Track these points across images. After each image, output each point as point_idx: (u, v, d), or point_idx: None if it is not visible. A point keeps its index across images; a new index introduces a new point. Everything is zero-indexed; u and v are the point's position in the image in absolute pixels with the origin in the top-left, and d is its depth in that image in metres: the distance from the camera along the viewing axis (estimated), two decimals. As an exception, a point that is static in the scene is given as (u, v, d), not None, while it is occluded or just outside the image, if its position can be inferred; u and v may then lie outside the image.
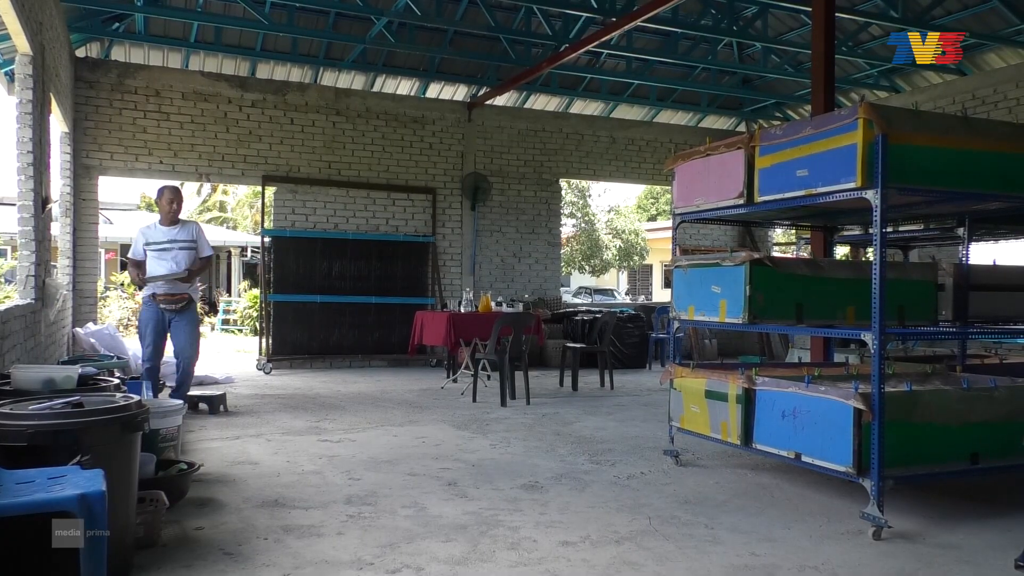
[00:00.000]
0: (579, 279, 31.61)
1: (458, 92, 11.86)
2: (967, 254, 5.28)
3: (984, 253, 6.67)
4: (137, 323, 6.22)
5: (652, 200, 33.59)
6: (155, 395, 5.91)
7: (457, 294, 10.88)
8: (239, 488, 4.24)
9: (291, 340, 10.44)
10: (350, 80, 11.27)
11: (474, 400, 7.56)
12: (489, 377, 8.73)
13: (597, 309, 12.32)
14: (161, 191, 6.28)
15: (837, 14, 7.42)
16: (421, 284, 11.20)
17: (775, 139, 4.18)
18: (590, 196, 28.44)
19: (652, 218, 32.74)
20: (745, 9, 9.86)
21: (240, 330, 18.66)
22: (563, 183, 13.73)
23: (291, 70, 10.97)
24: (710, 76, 11.99)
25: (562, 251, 15.44)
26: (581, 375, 8.86)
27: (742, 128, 13.47)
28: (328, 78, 11.15)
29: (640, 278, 35.42)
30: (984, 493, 4.29)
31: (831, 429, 3.75)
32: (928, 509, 3.96)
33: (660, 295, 31.44)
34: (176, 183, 6.50)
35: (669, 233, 5.32)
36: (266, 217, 10.75)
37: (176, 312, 6.06)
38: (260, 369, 10.01)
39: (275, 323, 10.42)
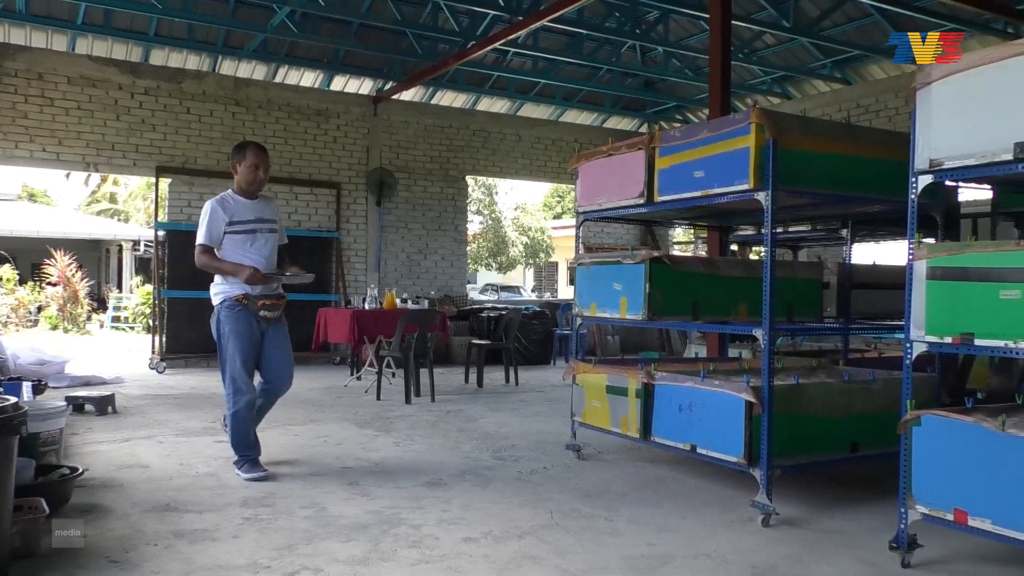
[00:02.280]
0: (486, 276, 31.71)
1: (363, 86, 11.69)
2: (850, 254, 5.57)
3: (865, 253, 7.08)
4: (219, 337, 4.49)
5: (558, 199, 33.97)
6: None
7: (362, 291, 10.71)
8: (127, 493, 4.05)
9: (186, 338, 10.01)
10: (250, 70, 10.92)
11: (378, 398, 7.47)
12: (394, 375, 8.64)
13: (503, 306, 12.38)
14: (243, 150, 4.68)
15: (733, 22, 7.71)
16: (325, 280, 10.96)
17: (674, 141, 4.30)
18: (497, 193, 28.58)
19: (557, 216, 33.10)
20: (648, 13, 10.10)
21: (132, 328, 17.86)
22: (470, 180, 13.71)
23: (187, 57, 10.53)
24: (614, 78, 12.23)
25: (468, 248, 15.43)
26: (486, 371, 8.90)
27: (644, 129, 13.80)
28: (227, 67, 10.77)
29: (546, 275, 35.78)
30: (863, 480, 4.54)
31: (724, 422, 3.89)
32: (812, 496, 4.16)
33: (565, 292, 31.74)
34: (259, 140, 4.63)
35: (573, 231, 5.40)
36: (160, 210, 10.31)
37: (272, 321, 4.68)
38: (153, 368, 9.60)
39: (169, 320, 9.99)
